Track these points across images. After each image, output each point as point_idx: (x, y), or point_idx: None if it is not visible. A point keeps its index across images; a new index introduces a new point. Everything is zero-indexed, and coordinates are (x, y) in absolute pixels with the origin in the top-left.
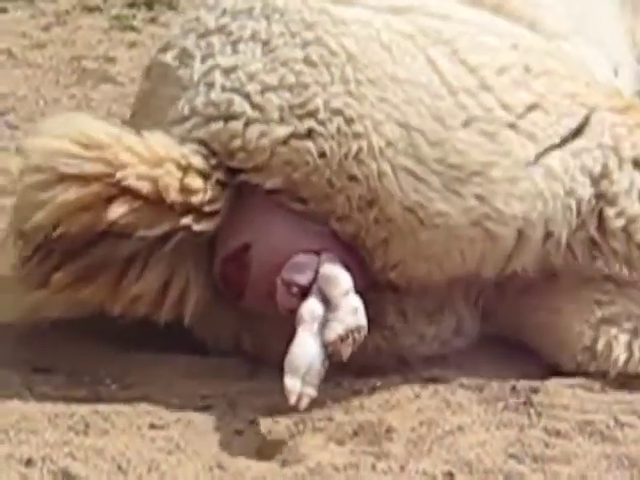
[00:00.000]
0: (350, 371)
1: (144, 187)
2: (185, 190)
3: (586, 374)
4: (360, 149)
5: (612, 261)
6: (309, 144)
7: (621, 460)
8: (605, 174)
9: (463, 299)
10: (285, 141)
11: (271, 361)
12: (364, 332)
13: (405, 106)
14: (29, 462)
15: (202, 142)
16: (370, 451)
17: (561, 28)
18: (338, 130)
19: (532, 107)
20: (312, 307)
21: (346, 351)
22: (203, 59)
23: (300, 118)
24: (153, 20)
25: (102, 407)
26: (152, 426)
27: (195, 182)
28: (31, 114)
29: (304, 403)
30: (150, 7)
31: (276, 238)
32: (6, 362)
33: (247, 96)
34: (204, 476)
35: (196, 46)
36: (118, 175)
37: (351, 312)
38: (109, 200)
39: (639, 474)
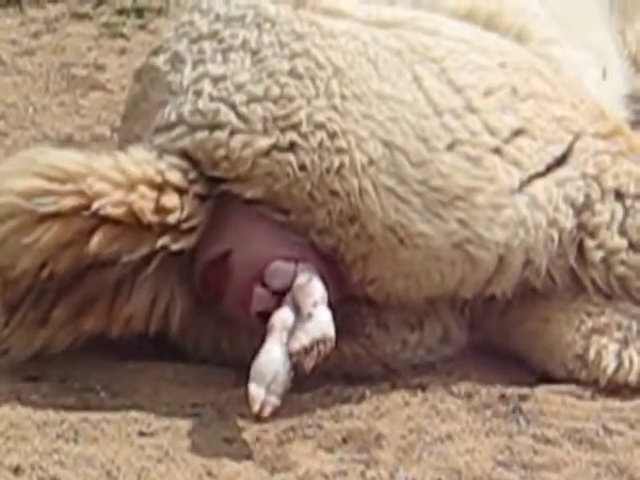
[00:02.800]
0: (336, 378)
1: (121, 213)
2: (161, 210)
3: (576, 381)
4: (342, 164)
5: (591, 290)
6: (290, 156)
7: (610, 468)
8: (587, 205)
9: (448, 308)
10: (267, 152)
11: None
12: (330, 344)
13: (389, 124)
14: (18, 470)
15: (185, 152)
16: (359, 459)
17: (550, 33)
18: (320, 144)
19: (518, 132)
20: (284, 316)
21: (309, 363)
22: (194, 65)
23: (283, 130)
24: (143, 27)
25: (91, 415)
26: (141, 434)
27: (171, 201)
28: (20, 121)
29: (267, 411)
30: (140, 14)
31: (256, 245)
32: None
33: (233, 106)
34: None
35: (188, 50)
36: (95, 206)
37: (319, 323)
38: (91, 232)
39: None
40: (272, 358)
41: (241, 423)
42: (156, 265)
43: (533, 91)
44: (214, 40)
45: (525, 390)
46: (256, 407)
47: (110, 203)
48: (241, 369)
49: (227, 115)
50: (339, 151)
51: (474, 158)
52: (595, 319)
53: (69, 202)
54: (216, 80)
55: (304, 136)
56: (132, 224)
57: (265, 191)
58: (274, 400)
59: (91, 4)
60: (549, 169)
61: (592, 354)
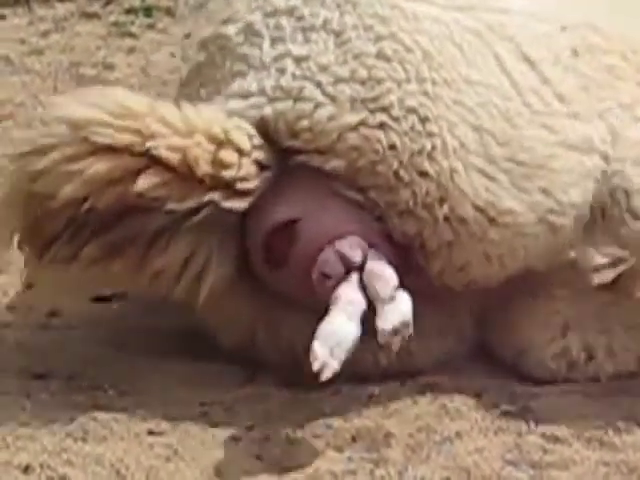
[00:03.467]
0: (345, 377)
1: (174, 159)
2: (217, 163)
3: (585, 380)
4: (434, 147)
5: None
6: (380, 134)
7: (619, 467)
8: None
9: (466, 311)
10: (355, 127)
11: (282, 354)
12: (411, 330)
13: (478, 109)
14: (27, 469)
15: (260, 120)
16: (368, 457)
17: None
18: (412, 127)
19: (578, 89)
20: (349, 291)
21: (397, 344)
22: (273, 42)
23: (372, 111)
24: (151, 27)
25: (100, 414)
26: (150, 433)
27: (229, 156)
28: (29, 120)
29: (326, 374)
30: (148, 14)
31: (327, 218)
32: (4, 368)
33: (319, 85)
34: None
35: (264, 25)
36: (147, 144)
37: (402, 307)
38: (139, 172)
39: None
40: (338, 325)
41: (250, 422)
42: (199, 221)
43: (589, 45)
44: (292, 17)
45: (534, 389)
46: (316, 365)
47: (165, 146)
48: (251, 368)
49: (313, 92)
50: (430, 134)
51: (549, 126)
52: (564, 315)
53: (124, 137)
54: (299, 60)
55: (395, 119)
56: (184, 173)
57: (347, 165)
58: (335, 364)
59: (100, 3)
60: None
61: (575, 351)
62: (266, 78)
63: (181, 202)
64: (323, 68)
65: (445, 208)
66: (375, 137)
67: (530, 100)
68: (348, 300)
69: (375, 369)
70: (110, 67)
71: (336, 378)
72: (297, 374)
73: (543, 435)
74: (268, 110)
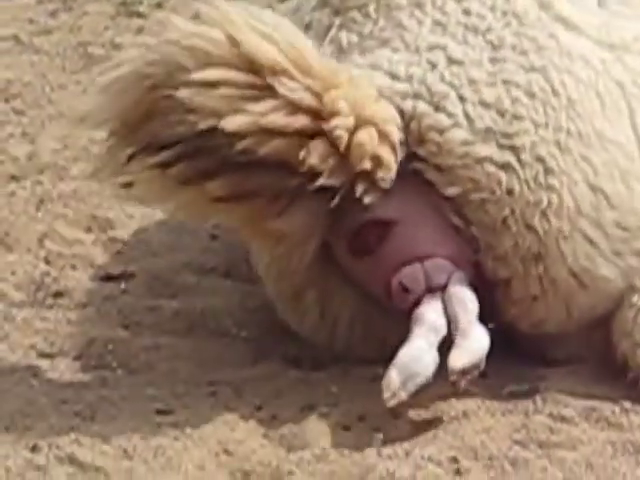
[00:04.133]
0: (351, 357)
1: (344, 139)
2: (375, 160)
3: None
4: (550, 203)
5: None
6: (502, 174)
7: (626, 446)
8: None
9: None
10: (480, 160)
11: (324, 324)
12: (481, 369)
13: (602, 169)
14: (35, 448)
15: (400, 111)
16: (375, 437)
17: None
18: (535, 177)
19: None
20: (433, 315)
21: (463, 384)
22: (433, 25)
23: (501, 147)
24: (160, 6)
25: (108, 393)
26: (158, 412)
27: (387, 154)
28: (37, 100)
29: (392, 402)
30: None
31: (424, 232)
32: (12, 347)
33: (462, 99)
34: (210, 462)
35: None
36: (332, 123)
37: (481, 347)
38: (307, 137)
39: None
40: (418, 356)
41: (258, 401)
42: (336, 201)
43: None
44: (459, 5)
45: (541, 369)
46: (387, 394)
47: (344, 127)
48: (259, 347)
49: (455, 106)
50: (549, 189)
51: None
52: None
53: (306, 99)
54: (452, 62)
55: (522, 163)
56: (343, 153)
57: (460, 194)
58: (404, 395)
59: None
60: None
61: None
62: (416, 65)
63: (329, 178)
64: (472, 82)
65: (540, 267)
66: (497, 177)
67: None
68: (432, 326)
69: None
70: (118, 47)
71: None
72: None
73: (550, 415)
74: (409, 105)
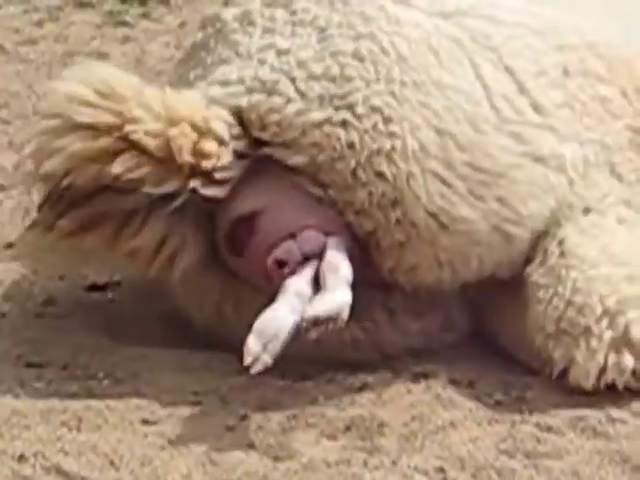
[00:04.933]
0: (339, 366)
1: (152, 144)
2: (198, 153)
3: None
4: (393, 148)
5: None
6: (340, 132)
7: (613, 456)
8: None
9: (452, 296)
10: (318, 125)
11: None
12: (341, 324)
13: (444, 113)
14: (21, 458)
15: (236, 110)
16: (362, 446)
17: None
18: (374, 127)
19: (562, 105)
20: (300, 283)
21: (313, 334)
22: (263, 32)
23: (337, 108)
24: (146, 15)
25: (94, 402)
26: (144, 422)
27: (209, 146)
28: (23, 110)
29: (257, 367)
30: (143, 3)
31: (287, 211)
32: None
33: (293, 80)
34: (196, 471)
35: (260, 14)
36: (127, 129)
37: (338, 300)
38: (117, 154)
39: (631, 470)
40: (277, 318)
41: (244, 411)
42: (177, 206)
43: (585, 69)
44: (287, 10)
45: (528, 378)
46: (248, 359)
47: (143, 130)
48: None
49: (286, 87)
50: (391, 135)
51: (517, 134)
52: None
53: (105, 118)
54: (280, 53)
55: (358, 117)
56: (162, 158)
57: (309, 161)
58: (267, 358)
59: None
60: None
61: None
62: (247, 68)
63: (158, 186)
64: (300, 63)
65: (398, 211)
66: (335, 135)
67: (500, 106)
68: (295, 292)
69: (340, 342)
70: (104, 56)
71: (329, 367)
72: (291, 363)
73: (537, 425)
74: (244, 100)
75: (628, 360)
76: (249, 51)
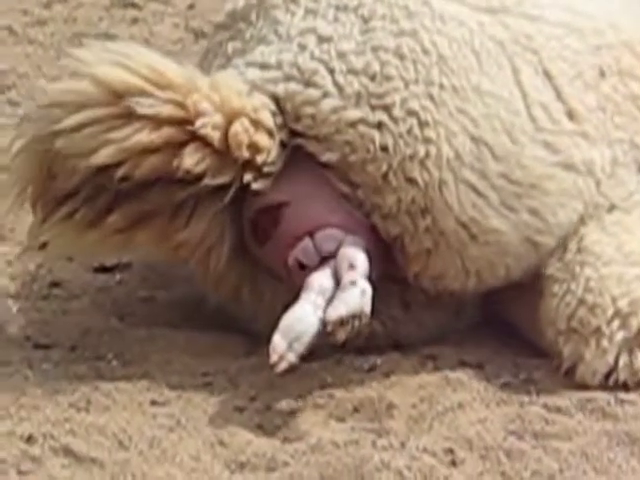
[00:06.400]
0: (347, 348)
1: (216, 137)
2: (253, 147)
3: None
4: (427, 154)
5: None
6: (374, 133)
7: (621, 437)
8: None
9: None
10: (353, 123)
11: (263, 315)
12: (366, 320)
13: (482, 120)
14: (30, 439)
15: (274, 97)
16: (370, 428)
17: None
18: (409, 131)
19: (595, 109)
20: (322, 279)
21: (342, 335)
22: (306, 13)
23: (374, 108)
24: None
25: (103, 384)
26: (153, 403)
27: (263, 140)
28: (32, 91)
29: (282, 366)
30: None
31: (313, 206)
32: (7, 338)
33: (332, 71)
34: (205, 452)
35: None
36: (198, 123)
37: (359, 296)
38: (179, 145)
39: (639, 451)
40: (302, 317)
41: (253, 392)
42: (229, 197)
43: (620, 69)
44: None
45: (536, 360)
46: (274, 358)
47: (211, 124)
48: (254, 338)
49: (324, 78)
50: (426, 141)
51: (551, 145)
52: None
53: (168, 110)
54: (321, 40)
55: (394, 119)
56: (221, 150)
57: (340, 158)
58: (293, 358)
59: None
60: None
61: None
62: (287, 51)
63: (215, 178)
64: (341, 55)
65: (428, 219)
66: (369, 136)
67: (537, 115)
68: (318, 289)
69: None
70: (113, 38)
71: (337, 349)
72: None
73: (545, 406)
74: (281, 88)
75: None
76: (289, 33)
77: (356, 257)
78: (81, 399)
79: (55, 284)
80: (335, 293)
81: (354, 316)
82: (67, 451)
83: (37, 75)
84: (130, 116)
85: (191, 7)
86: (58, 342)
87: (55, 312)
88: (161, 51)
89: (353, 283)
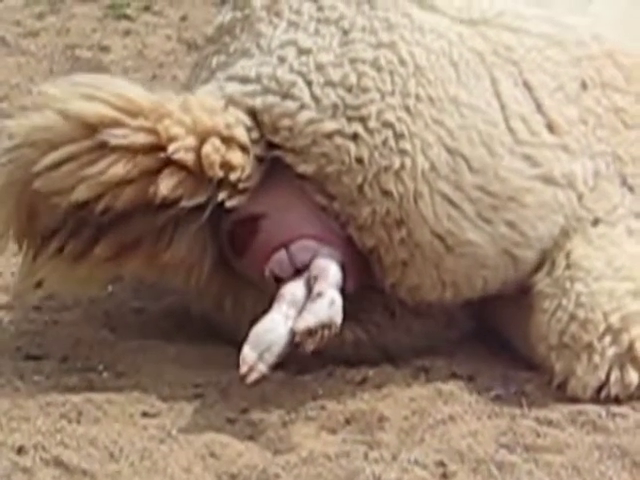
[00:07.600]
0: (338, 360)
1: (190, 159)
2: (226, 166)
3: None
4: (402, 166)
5: None
6: (350, 145)
7: (612, 450)
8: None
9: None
10: (329, 135)
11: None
12: (335, 330)
13: (458, 132)
14: (21, 450)
15: (251, 110)
16: (362, 440)
17: None
18: (384, 142)
19: (576, 122)
20: (294, 290)
21: (310, 345)
22: (288, 26)
23: (350, 119)
24: (147, 9)
25: (94, 395)
26: (144, 414)
27: (237, 158)
28: (24, 103)
29: (252, 377)
30: None
31: (291, 218)
32: None
33: (309, 84)
34: (196, 464)
35: (287, 6)
36: (170, 149)
37: (327, 306)
38: (155, 172)
39: (631, 464)
40: (271, 328)
41: (244, 404)
42: (206, 215)
43: (602, 81)
44: (314, 4)
45: (528, 372)
46: (244, 369)
47: (184, 148)
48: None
49: (302, 91)
50: (402, 152)
51: (530, 158)
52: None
53: (140, 139)
54: (301, 52)
55: (369, 131)
56: (195, 172)
57: (317, 170)
58: (263, 368)
59: None
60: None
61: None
62: (266, 64)
63: (191, 199)
64: (320, 67)
65: (403, 231)
66: (345, 147)
67: (516, 127)
68: (291, 299)
69: (342, 343)
70: (106, 49)
71: (329, 361)
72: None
73: (536, 419)
74: (259, 101)
75: (633, 376)
76: (270, 46)
77: (328, 268)
78: (72, 410)
79: (47, 296)
80: (305, 304)
81: (323, 326)
82: (58, 462)
83: (29, 87)
84: (104, 148)
85: (184, 19)
86: (49, 353)
87: (47, 323)
88: (153, 62)
89: (321, 294)
